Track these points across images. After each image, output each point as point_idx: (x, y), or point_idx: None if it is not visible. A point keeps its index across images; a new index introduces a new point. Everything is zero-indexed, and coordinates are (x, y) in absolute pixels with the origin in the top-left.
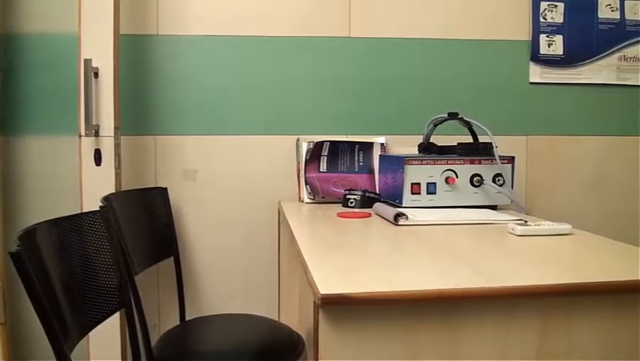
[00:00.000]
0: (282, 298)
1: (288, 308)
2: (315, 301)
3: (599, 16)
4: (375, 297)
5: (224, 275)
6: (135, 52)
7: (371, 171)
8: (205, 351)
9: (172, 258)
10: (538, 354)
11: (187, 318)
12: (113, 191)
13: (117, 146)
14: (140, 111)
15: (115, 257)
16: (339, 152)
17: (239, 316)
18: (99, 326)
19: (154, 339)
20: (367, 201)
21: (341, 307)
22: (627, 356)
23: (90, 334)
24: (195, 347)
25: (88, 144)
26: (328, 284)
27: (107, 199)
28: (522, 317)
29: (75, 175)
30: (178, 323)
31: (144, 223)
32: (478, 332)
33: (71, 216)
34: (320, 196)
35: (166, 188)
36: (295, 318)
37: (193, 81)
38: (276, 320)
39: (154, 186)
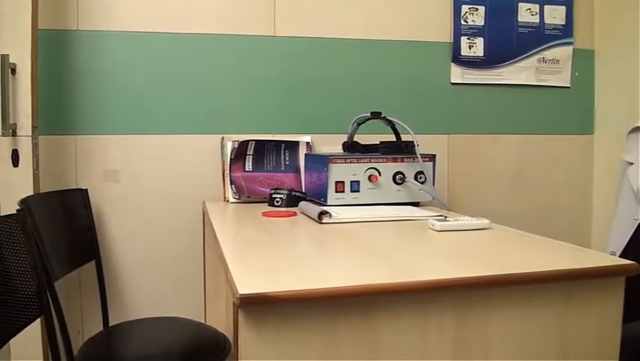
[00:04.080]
0: (208, 299)
1: (215, 310)
2: (234, 302)
3: (519, 19)
4: (293, 296)
5: (149, 278)
6: (54, 48)
7: (297, 170)
8: (129, 357)
9: (94, 262)
10: (455, 345)
11: (112, 323)
12: (31, 193)
13: (35, 146)
14: (60, 110)
15: (33, 262)
16: (264, 151)
17: (164, 319)
18: (19, 335)
19: (79, 346)
20: (293, 200)
21: (260, 307)
22: (542, 343)
23: (11, 343)
24: (119, 353)
25: (4, 144)
26: (248, 284)
27: (24, 202)
28: (438, 309)
29: None
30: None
31: (64, 227)
32: (396, 327)
33: None
34: (245, 196)
35: (86, 189)
36: (222, 319)
37: (115, 79)
38: (203, 322)
39: (74, 187)
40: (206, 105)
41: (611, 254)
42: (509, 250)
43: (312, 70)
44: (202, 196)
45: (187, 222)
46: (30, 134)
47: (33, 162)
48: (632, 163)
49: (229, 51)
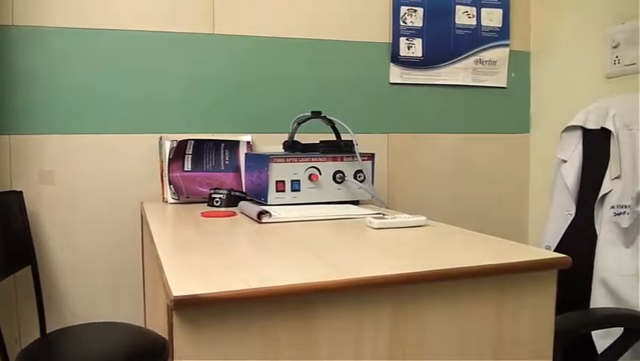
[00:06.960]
0: (147, 302)
1: (154, 313)
2: (168, 304)
3: (457, 21)
4: (229, 296)
5: (87, 282)
6: None
7: (237, 170)
8: None
9: (29, 267)
10: (391, 344)
11: (49, 330)
12: None
13: None
14: None
15: None
16: (204, 151)
17: (102, 324)
18: None
19: (15, 354)
20: (233, 200)
21: (195, 309)
22: (477, 338)
23: None
24: None
25: None
26: (182, 286)
27: None
28: (374, 308)
29: None
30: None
31: None
32: (332, 326)
33: None
34: (185, 196)
35: (21, 192)
36: (162, 322)
37: (51, 76)
38: (143, 325)
39: (8, 189)
40: (144, 104)
41: (546, 248)
42: (444, 246)
43: (252, 69)
44: (140, 197)
45: (125, 224)
46: None
47: None
48: (565, 161)
49: (167, 49)
